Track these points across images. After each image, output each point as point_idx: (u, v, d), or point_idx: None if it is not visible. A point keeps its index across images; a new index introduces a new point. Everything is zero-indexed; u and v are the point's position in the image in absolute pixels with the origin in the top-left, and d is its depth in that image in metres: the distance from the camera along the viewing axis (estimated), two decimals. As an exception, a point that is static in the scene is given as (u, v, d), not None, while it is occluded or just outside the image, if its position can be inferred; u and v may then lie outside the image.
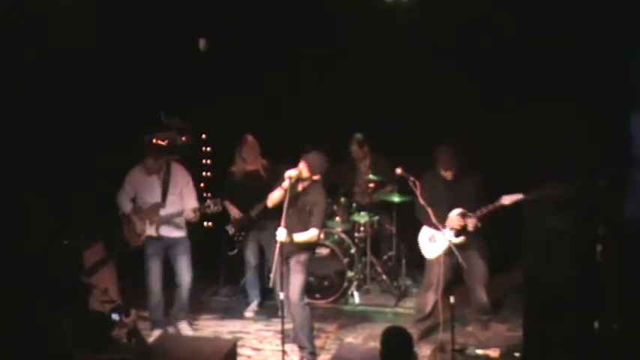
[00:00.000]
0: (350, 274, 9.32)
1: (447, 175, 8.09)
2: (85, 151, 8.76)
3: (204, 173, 10.15)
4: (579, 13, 8.49)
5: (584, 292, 6.99)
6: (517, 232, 7.39)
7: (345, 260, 9.26)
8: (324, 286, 9.32)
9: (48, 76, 8.04)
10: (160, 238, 8.38)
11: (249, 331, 8.68)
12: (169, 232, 8.41)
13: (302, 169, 7.66)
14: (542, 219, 7.05)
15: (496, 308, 8.76)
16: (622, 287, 7.39)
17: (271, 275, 7.71)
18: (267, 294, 9.08)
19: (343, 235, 9.51)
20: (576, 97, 8.68)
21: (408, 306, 9.11)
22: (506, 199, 7.81)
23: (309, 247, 7.84)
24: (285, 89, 9.81)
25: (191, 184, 8.54)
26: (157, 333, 8.32)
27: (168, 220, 8.35)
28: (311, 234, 7.69)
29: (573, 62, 8.75)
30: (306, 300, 7.94)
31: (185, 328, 8.59)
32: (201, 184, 9.98)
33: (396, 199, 9.38)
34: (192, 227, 8.64)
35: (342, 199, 9.66)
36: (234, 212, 9.05)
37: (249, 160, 8.96)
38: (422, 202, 7.74)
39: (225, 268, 9.59)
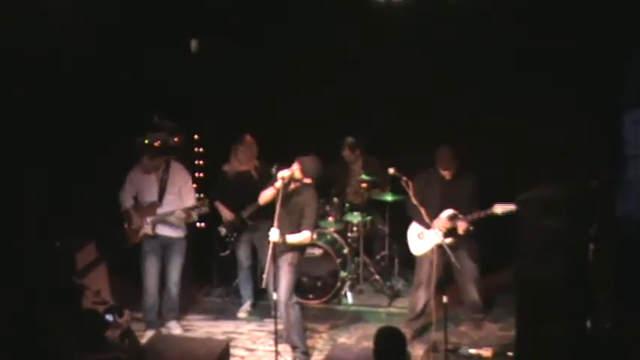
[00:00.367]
0: (343, 274, 9.33)
1: (446, 174, 8.12)
2: (83, 152, 8.78)
3: (196, 174, 10.14)
4: (576, 15, 8.51)
5: (577, 291, 7.01)
6: (509, 232, 7.42)
7: (338, 260, 9.27)
8: (317, 287, 9.32)
9: (48, 76, 8.04)
10: (156, 236, 8.41)
11: (242, 332, 8.68)
12: (166, 231, 8.43)
13: (295, 170, 7.68)
14: (534, 219, 7.06)
15: (489, 307, 8.78)
16: (614, 287, 7.41)
17: (264, 276, 7.72)
18: (260, 294, 9.09)
19: (336, 236, 9.51)
20: (570, 97, 8.70)
21: (401, 306, 9.13)
22: (499, 208, 7.81)
23: (299, 247, 7.85)
24: (281, 89, 9.80)
25: (189, 184, 8.57)
26: (150, 334, 8.31)
27: (163, 219, 8.36)
28: (303, 236, 7.71)
29: (568, 62, 8.77)
30: (295, 299, 7.94)
31: (174, 327, 8.60)
32: (194, 185, 9.95)
33: (388, 198, 9.40)
34: (187, 228, 8.64)
35: (335, 200, 9.67)
36: (226, 213, 9.05)
37: (243, 160, 8.96)
38: (414, 201, 7.75)
39: (217, 268, 9.59)
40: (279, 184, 7.59)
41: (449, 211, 8.01)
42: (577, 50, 8.68)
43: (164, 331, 8.51)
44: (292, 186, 7.74)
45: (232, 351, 7.82)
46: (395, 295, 9.49)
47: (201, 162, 10.33)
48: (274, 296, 7.65)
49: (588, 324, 7.10)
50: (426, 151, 8.26)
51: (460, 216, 7.97)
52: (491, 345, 8.05)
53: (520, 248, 7.21)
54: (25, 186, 7.76)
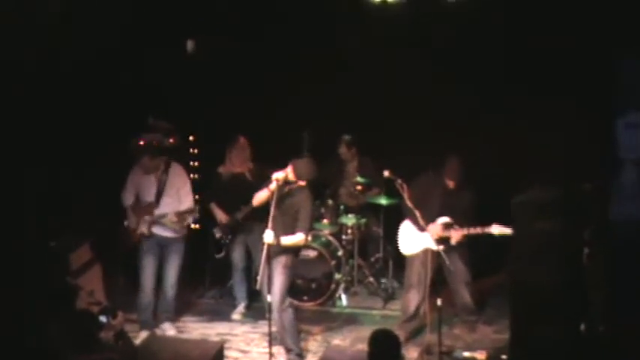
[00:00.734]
0: (337, 276, 9.32)
1: (450, 183, 8.11)
2: (82, 152, 8.79)
3: (191, 175, 10.13)
4: (576, 15, 8.53)
5: (571, 294, 7.01)
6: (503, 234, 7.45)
7: (333, 262, 9.26)
8: (312, 289, 9.32)
9: (48, 76, 8.04)
10: (152, 236, 8.41)
11: (236, 334, 8.67)
12: (162, 231, 8.44)
13: (289, 172, 7.68)
14: (529, 222, 7.06)
15: (482, 310, 8.79)
16: (608, 290, 7.42)
17: (258, 277, 7.72)
18: (254, 296, 9.07)
19: (330, 238, 9.51)
20: (565, 99, 8.71)
21: (395, 308, 9.11)
22: (496, 229, 7.80)
23: (293, 249, 7.84)
24: (279, 90, 9.79)
25: (187, 187, 8.56)
26: (144, 334, 8.31)
27: (157, 221, 8.36)
28: (298, 238, 7.70)
29: (564, 65, 8.79)
30: (289, 301, 7.93)
31: (168, 329, 8.59)
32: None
33: (383, 201, 9.40)
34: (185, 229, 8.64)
35: (330, 202, 9.67)
36: (221, 216, 9.04)
37: (237, 162, 8.96)
38: (409, 204, 7.76)
39: (211, 270, 9.58)
40: (273, 185, 7.59)
41: (445, 219, 8.00)
42: (573, 52, 8.69)
43: (158, 332, 8.50)
44: (287, 188, 7.74)
45: (226, 352, 7.81)
46: (389, 297, 9.48)
47: (196, 163, 10.32)
48: (268, 298, 7.65)
49: (582, 327, 7.10)
50: (426, 151, 8.27)
51: (455, 226, 7.96)
52: (486, 348, 8.05)
53: (514, 251, 7.22)
54: (24, 186, 7.75)
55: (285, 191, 7.73)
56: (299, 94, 9.66)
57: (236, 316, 9.08)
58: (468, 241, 8.08)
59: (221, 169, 9.11)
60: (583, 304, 7.13)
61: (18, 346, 6.75)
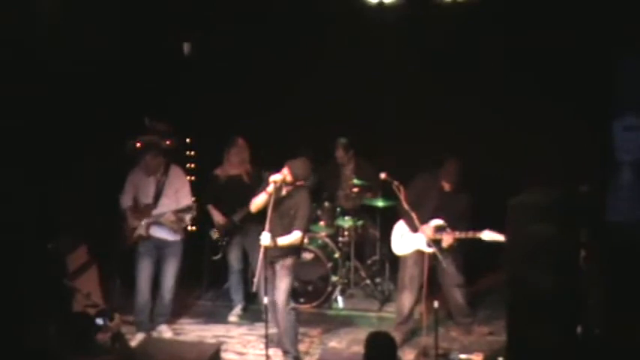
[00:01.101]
0: (334, 278, 9.33)
1: (446, 186, 8.11)
2: (79, 153, 8.79)
3: (188, 177, 10.14)
4: (575, 16, 8.55)
5: (567, 297, 7.02)
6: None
7: (329, 265, 9.27)
8: (308, 291, 9.32)
9: (48, 76, 8.04)
10: (149, 238, 8.40)
11: (232, 336, 8.67)
12: (160, 233, 8.43)
13: (286, 174, 7.67)
14: (525, 224, 7.06)
15: (478, 311, 8.79)
16: (604, 292, 7.42)
17: (255, 279, 7.72)
18: (250, 298, 9.08)
19: (327, 240, 9.52)
20: (561, 101, 8.72)
21: (391, 310, 9.10)
22: (487, 235, 7.79)
23: (295, 251, 7.84)
24: (277, 90, 9.80)
25: (186, 188, 8.56)
26: (140, 336, 8.30)
27: (156, 221, 8.36)
28: (294, 237, 7.68)
29: (560, 67, 8.80)
30: (292, 305, 7.94)
31: (165, 331, 8.58)
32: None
33: (380, 203, 9.41)
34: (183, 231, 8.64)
35: (327, 204, 9.67)
36: (218, 217, 9.04)
37: (235, 163, 8.94)
38: (406, 207, 7.76)
39: (208, 272, 9.58)
40: (271, 188, 7.59)
41: (438, 221, 7.99)
42: (570, 54, 8.70)
43: (154, 334, 8.49)
44: (284, 191, 7.73)
45: (223, 355, 7.82)
46: (386, 299, 9.49)
47: (192, 165, 10.32)
48: (265, 300, 7.64)
49: (579, 329, 7.11)
50: (425, 151, 8.27)
51: (448, 229, 7.96)
52: (482, 350, 8.05)
53: (510, 254, 7.22)
54: (22, 188, 7.75)
55: (282, 194, 7.73)
56: (296, 95, 9.67)
57: (233, 318, 9.07)
58: (461, 244, 8.07)
59: (218, 171, 9.11)
60: (579, 307, 7.13)
61: (17, 347, 6.75)
